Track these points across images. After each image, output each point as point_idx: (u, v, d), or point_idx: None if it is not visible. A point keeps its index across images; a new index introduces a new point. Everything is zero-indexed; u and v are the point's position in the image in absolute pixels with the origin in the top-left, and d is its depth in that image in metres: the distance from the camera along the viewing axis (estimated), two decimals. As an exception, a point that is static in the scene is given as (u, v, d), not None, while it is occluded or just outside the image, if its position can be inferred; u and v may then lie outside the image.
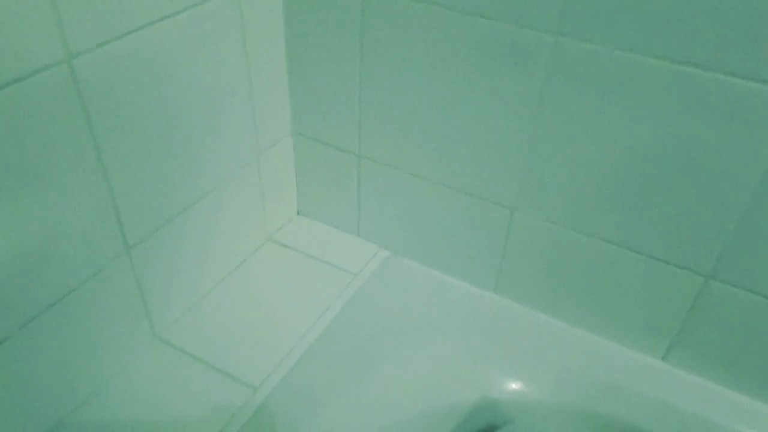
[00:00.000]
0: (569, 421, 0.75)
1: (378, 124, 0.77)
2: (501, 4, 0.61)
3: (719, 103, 0.56)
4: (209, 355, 0.74)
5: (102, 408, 0.68)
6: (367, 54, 0.72)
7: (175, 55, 0.62)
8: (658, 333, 0.74)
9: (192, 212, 0.73)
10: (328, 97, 0.78)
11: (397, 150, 0.78)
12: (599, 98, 0.62)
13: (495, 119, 0.69)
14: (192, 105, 0.67)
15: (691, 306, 0.69)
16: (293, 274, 0.85)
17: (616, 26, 0.57)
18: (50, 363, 0.62)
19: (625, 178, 0.65)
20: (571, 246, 0.73)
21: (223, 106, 0.71)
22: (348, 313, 0.80)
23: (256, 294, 0.82)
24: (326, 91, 0.78)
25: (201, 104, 0.68)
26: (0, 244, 0.53)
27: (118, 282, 0.66)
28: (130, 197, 0.64)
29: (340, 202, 0.88)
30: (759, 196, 0.59)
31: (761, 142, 0.56)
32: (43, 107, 0.52)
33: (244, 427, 0.67)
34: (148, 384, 0.70)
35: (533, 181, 0.71)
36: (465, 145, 0.72)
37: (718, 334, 0.70)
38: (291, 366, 0.73)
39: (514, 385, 0.78)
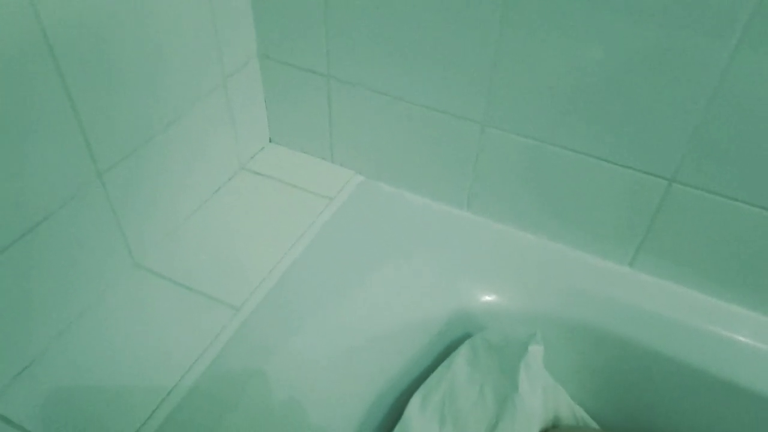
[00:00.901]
0: (540, 326, 0.77)
1: (345, 42, 0.76)
2: None
3: (673, 7, 0.57)
4: (189, 280, 0.75)
5: (83, 335, 0.69)
6: (332, -30, 0.71)
7: (133, -28, 0.61)
8: (625, 240, 0.77)
9: (161, 139, 0.72)
10: (293, 15, 0.77)
11: (366, 69, 0.77)
12: (559, 11, 0.62)
13: (461, 34, 0.69)
14: (152, 27, 0.66)
15: (656, 211, 0.72)
16: (268, 200, 0.85)
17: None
18: (27, 292, 0.63)
19: (588, 88, 0.66)
20: (540, 158, 0.75)
21: (184, 27, 0.70)
22: (325, 236, 0.82)
23: (233, 220, 0.82)
24: (291, 10, 0.77)
25: (162, 26, 0.67)
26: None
27: (92, 208, 0.66)
28: (97, 123, 0.63)
29: (311, 127, 0.88)
30: (716, 98, 0.61)
31: (716, 44, 0.58)
32: (4, 38, 0.51)
33: (227, 347, 0.69)
34: (129, 309, 0.72)
35: (500, 95, 0.71)
36: (432, 61, 0.72)
37: (682, 238, 0.73)
38: (271, 287, 0.75)
39: (488, 297, 0.80)
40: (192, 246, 0.79)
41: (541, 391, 0.67)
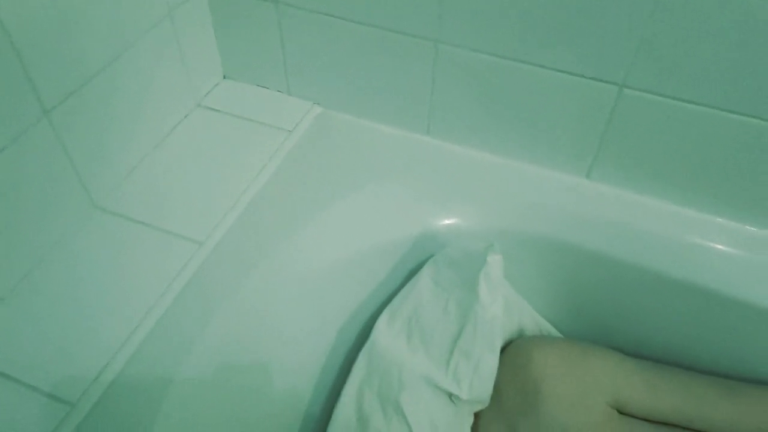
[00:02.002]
0: (503, 242, 0.79)
1: (290, -35, 0.74)
2: None
3: None
4: (151, 217, 0.75)
5: (46, 279, 0.69)
6: None
7: None
8: (581, 152, 0.78)
9: (108, 75, 0.71)
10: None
11: (314, -9, 0.76)
12: None
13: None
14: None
15: (609, 118, 0.73)
16: (226, 136, 0.85)
17: None
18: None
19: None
20: (495, 73, 0.74)
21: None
22: (285, 168, 0.82)
23: (192, 157, 0.82)
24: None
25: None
26: None
27: (43, 150, 0.65)
28: (38, 58, 0.61)
29: (264, 59, 0.87)
30: (661, 1, 0.61)
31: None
32: None
33: (192, 280, 0.69)
34: (91, 251, 0.72)
35: (452, 8, 0.71)
36: (380, -21, 0.71)
37: (635, 145, 0.74)
38: (233, 220, 0.75)
39: (451, 219, 0.81)
40: (152, 185, 0.78)
41: (501, 300, 0.68)
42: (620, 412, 0.71)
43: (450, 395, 0.68)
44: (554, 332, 0.84)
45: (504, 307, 0.70)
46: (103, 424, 0.58)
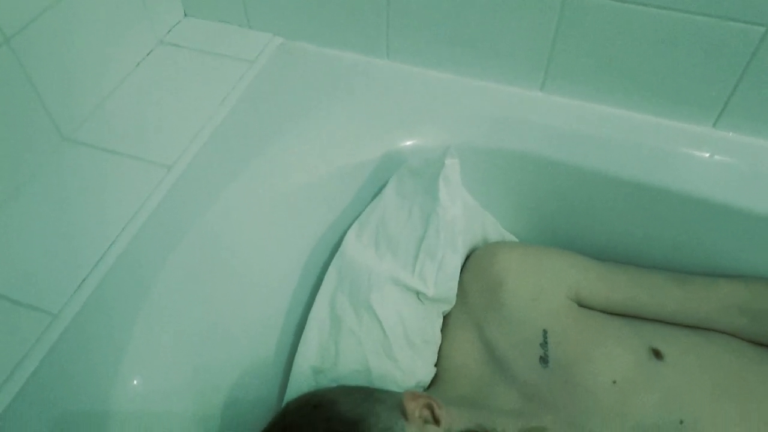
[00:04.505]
0: (465, 157, 0.82)
1: None
2: None
3: None
4: (120, 146, 0.77)
5: (19, 210, 0.71)
6: None
7: None
8: (533, 65, 0.81)
9: (67, 5, 0.72)
10: None
11: None
12: None
13: None
14: None
15: (557, 28, 0.75)
16: (190, 69, 0.86)
17: None
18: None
19: None
20: (446, -11, 0.77)
21: None
22: (249, 96, 0.84)
23: (157, 90, 0.84)
24: None
25: None
26: None
27: (7, 80, 0.67)
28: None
29: (223, -7, 0.88)
30: None
31: None
32: None
33: (163, 203, 0.72)
34: (64, 180, 0.74)
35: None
36: None
37: (584, 54, 0.77)
38: (201, 145, 0.77)
39: (413, 140, 0.84)
40: (120, 116, 0.80)
41: (461, 202, 0.72)
42: (579, 305, 0.75)
43: (417, 294, 0.71)
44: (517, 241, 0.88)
45: (465, 212, 0.74)
46: (85, 333, 0.61)
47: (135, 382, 0.57)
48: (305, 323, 0.73)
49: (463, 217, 0.73)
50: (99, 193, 0.72)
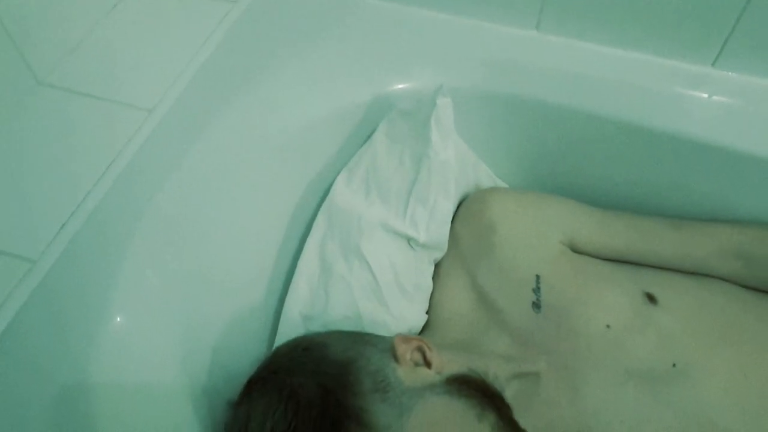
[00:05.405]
0: (459, 101, 0.79)
1: None
2: None
3: None
4: (98, 90, 0.73)
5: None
6: None
7: None
8: (528, 3, 0.78)
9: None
10: None
11: None
12: None
13: None
14: None
15: (553, -39, 0.72)
16: (170, 9, 0.83)
17: None
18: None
19: None
20: None
21: None
22: (233, 36, 0.80)
23: (135, 32, 0.80)
24: None
25: None
26: None
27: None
28: None
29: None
30: None
31: None
32: None
33: (144, 146, 0.69)
34: (40, 125, 0.70)
35: None
36: None
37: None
38: (183, 87, 0.74)
39: (404, 83, 0.81)
40: (97, 59, 0.77)
41: (453, 145, 0.70)
42: (573, 251, 0.74)
43: (408, 240, 0.70)
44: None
45: (457, 155, 0.72)
46: (66, 278, 0.59)
47: (118, 319, 0.56)
48: (294, 271, 0.72)
49: (456, 161, 0.71)
50: (77, 137, 0.69)
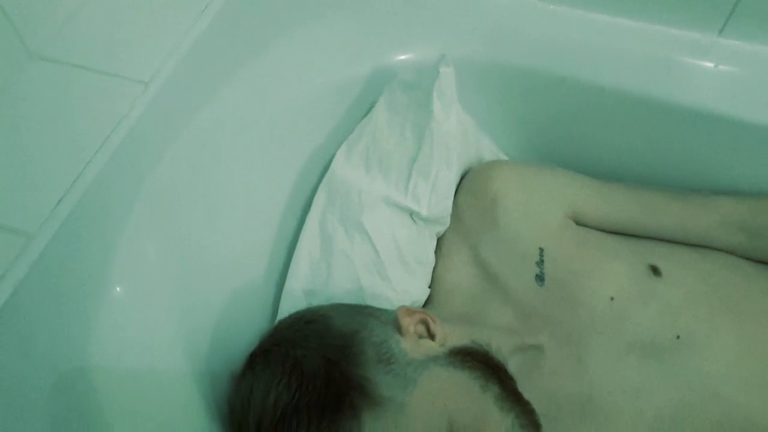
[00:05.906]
0: (461, 73, 0.78)
1: None
2: None
3: None
4: (93, 62, 0.72)
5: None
6: None
7: None
8: (532, -29, 0.77)
9: None
10: None
11: None
12: None
13: None
14: None
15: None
16: (166, -20, 0.81)
17: None
18: None
19: None
20: None
21: None
22: (231, 7, 0.79)
23: (130, 4, 0.78)
24: None
25: None
26: None
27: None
28: None
29: None
30: None
31: None
32: None
33: (141, 120, 0.68)
34: (35, 98, 0.69)
35: None
36: None
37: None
38: (180, 59, 0.73)
39: (405, 55, 0.80)
40: (91, 31, 0.75)
41: (455, 116, 0.69)
42: (577, 223, 0.74)
43: (411, 214, 0.69)
44: (512, 162, 0.86)
45: (459, 126, 0.71)
46: (63, 254, 0.59)
47: (118, 289, 0.55)
48: (295, 245, 0.71)
49: (458, 132, 0.70)
50: (73, 111, 0.68)
